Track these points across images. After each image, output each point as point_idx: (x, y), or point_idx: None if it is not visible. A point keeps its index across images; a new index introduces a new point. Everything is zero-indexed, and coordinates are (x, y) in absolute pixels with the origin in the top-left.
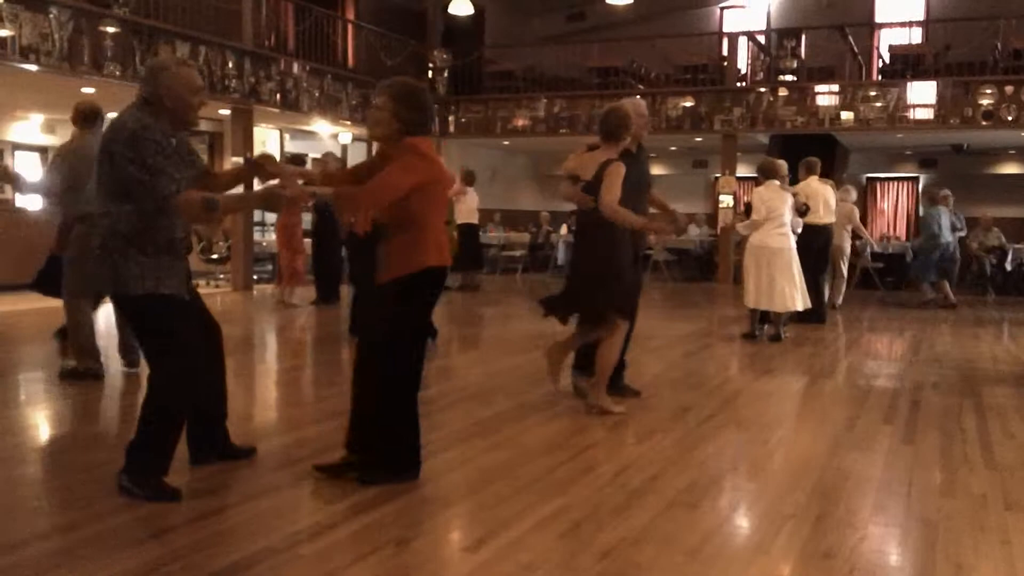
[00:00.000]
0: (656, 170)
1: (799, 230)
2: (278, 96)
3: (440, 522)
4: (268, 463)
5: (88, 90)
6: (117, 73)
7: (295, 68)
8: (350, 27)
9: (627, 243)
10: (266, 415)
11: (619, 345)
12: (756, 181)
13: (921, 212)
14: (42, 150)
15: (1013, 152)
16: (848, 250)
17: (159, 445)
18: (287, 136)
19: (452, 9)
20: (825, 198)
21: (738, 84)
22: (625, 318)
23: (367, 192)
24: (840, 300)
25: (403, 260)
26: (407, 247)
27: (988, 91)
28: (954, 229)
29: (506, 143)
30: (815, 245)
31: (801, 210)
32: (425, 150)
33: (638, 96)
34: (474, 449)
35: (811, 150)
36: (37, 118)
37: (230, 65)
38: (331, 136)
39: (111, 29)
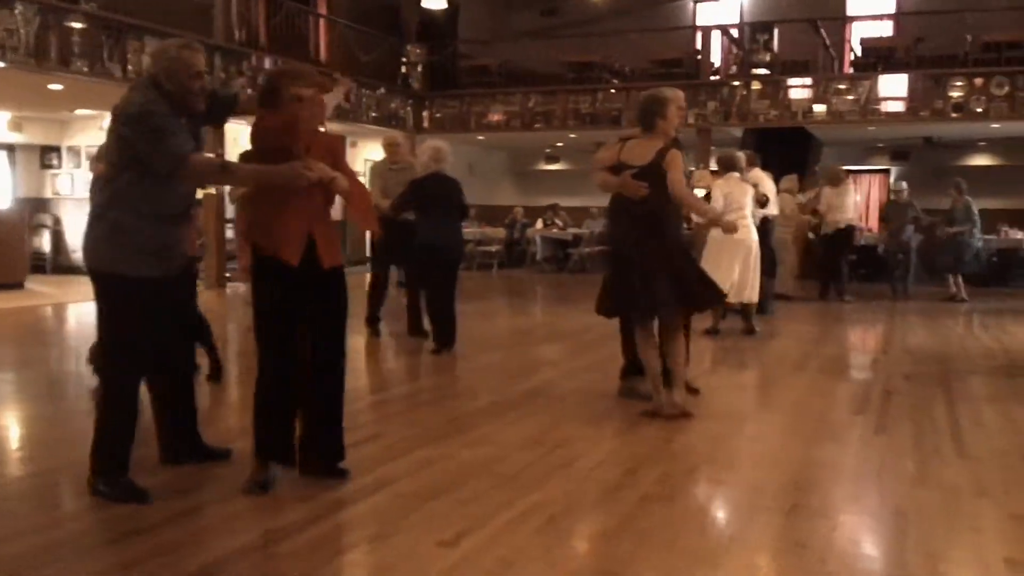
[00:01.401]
0: None
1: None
2: (249, 91)
3: (417, 518)
4: (244, 462)
5: (56, 87)
6: (85, 69)
7: (267, 63)
8: (323, 22)
9: (679, 226)
10: (240, 415)
11: (683, 336)
12: (715, 174)
13: (958, 205)
14: (9, 148)
15: (983, 144)
16: (790, 241)
17: (114, 441)
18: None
19: (426, 3)
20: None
21: (712, 78)
22: (707, 305)
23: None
24: (789, 291)
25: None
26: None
27: (958, 83)
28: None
29: (481, 138)
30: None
31: (762, 201)
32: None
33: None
34: (452, 445)
35: (784, 143)
36: (4, 115)
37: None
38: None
39: (78, 25)
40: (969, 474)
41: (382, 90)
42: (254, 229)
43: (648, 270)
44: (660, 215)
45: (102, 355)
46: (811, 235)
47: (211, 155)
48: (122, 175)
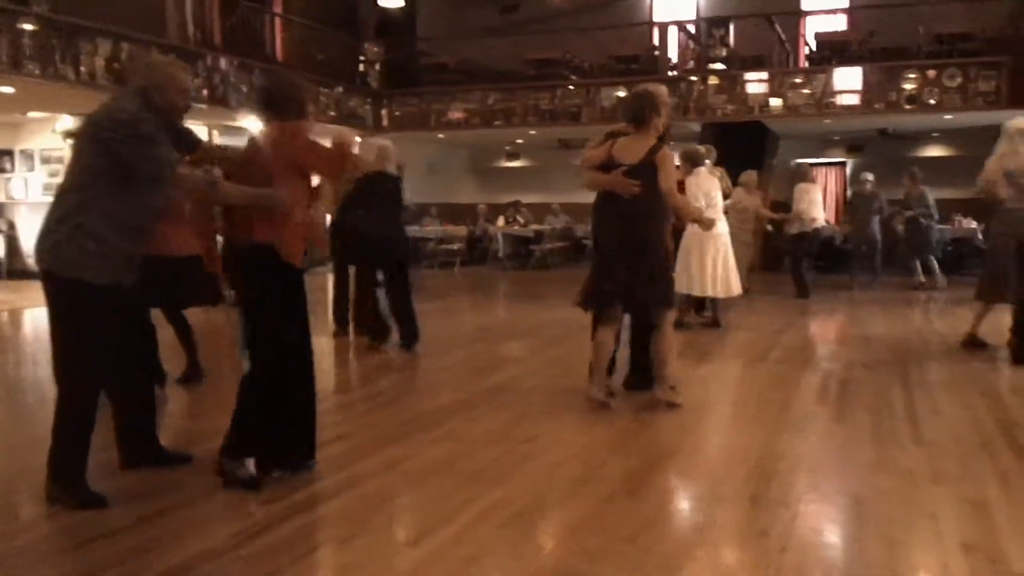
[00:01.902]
0: None
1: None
2: (205, 92)
3: (381, 518)
4: (206, 466)
5: (7, 90)
6: (37, 72)
7: (222, 63)
8: (279, 20)
9: (668, 227)
10: (200, 420)
11: (671, 332)
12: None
13: (904, 196)
14: None
15: (936, 135)
16: (749, 236)
17: (72, 447)
18: (215, 133)
19: (383, 1)
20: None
21: (670, 73)
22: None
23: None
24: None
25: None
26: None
27: (912, 76)
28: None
29: (441, 136)
30: None
31: (727, 194)
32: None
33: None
34: (417, 443)
35: (742, 137)
36: None
37: None
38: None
39: (30, 27)
40: (926, 461)
41: (340, 89)
42: (255, 227)
43: (634, 268)
44: (650, 213)
45: (59, 361)
46: (769, 228)
47: (196, 171)
48: (98, 181)
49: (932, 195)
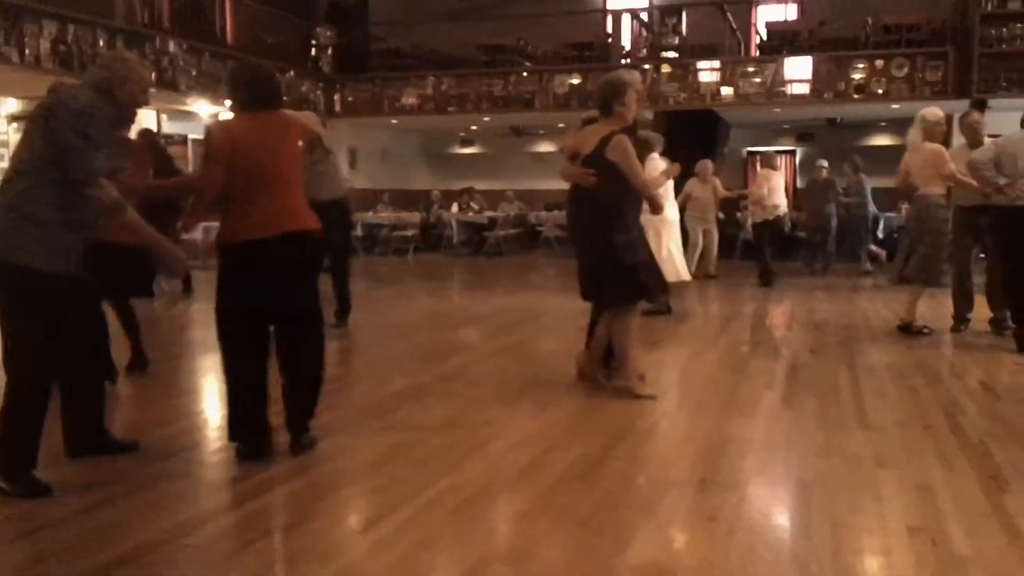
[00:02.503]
0: (546, 147)
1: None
2: (153, 75)
3: (331, 504)
4: (152, 454)
5: None
6: None
7: (171, 46)
8: (228, 2)
9: (633, 219)
10: (146, 408)
11: (635, 323)
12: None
13: (846, 184)
14: None
15: (884, 124)
16: (712, 223)
17: (21, 437)
18: (164, 117)
19: None
20: None
21: (623, 61)
22: (646, 297)
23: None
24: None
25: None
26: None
27: (860, 66)
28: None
29: (395, 122)
30: None
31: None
32: (228, 126)
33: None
34: (368, 430)
35: (693, 126)
36: None
37: (101, 44)
38: (211, 116)
39: None
40: (871, 444)
41: (291, 73)
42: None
43: (592, 260)
44: (607, 204)
45: (8, 352)
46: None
47: (114, 189)
48: (47, 169)
49: (879, 183)
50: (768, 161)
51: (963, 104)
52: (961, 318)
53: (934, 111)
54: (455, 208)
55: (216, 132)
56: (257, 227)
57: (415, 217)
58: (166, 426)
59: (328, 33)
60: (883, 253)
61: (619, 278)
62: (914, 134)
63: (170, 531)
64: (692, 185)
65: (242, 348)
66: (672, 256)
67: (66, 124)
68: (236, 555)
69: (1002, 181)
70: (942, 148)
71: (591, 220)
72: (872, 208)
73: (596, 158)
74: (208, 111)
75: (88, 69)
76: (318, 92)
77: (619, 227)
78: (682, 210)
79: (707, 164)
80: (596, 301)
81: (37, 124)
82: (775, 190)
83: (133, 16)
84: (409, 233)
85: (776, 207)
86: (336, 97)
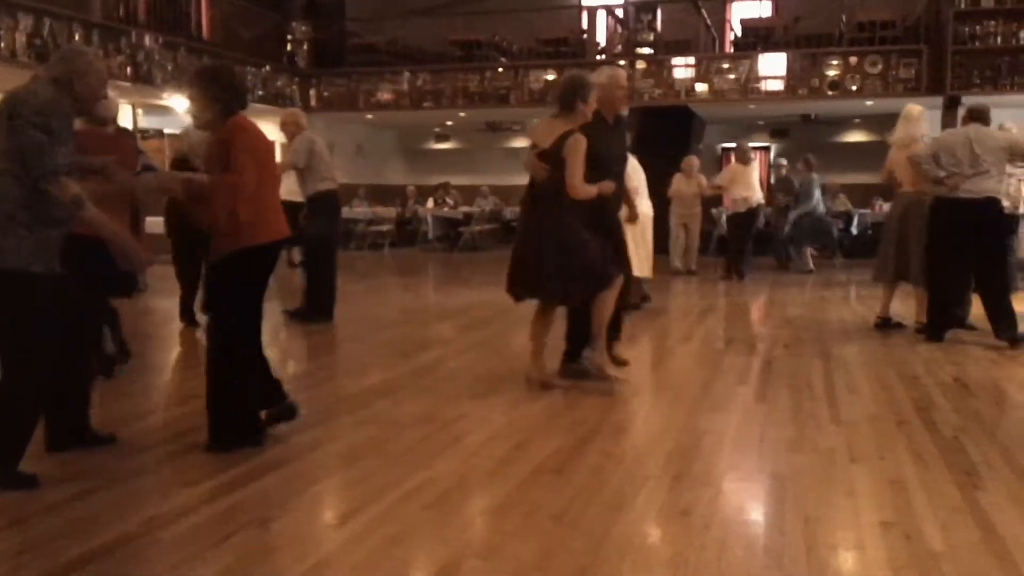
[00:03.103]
0: (521, 143)
1: None
2: (129, 70)
3: (305, 500)
4: (126, 448)
5: None
6: None
7: (147, 40)
8: None
9: (580, 210)
10: (124, 401)
11: (611, 302)
12: None
13: (798, 182)
14: None
15: (858, 121)
16: (693, 220)
17: (14, 434)
18: (140, 112)
19: None
20: None
21: (598, 57)
22: (609, 284)
23: (223, 190)
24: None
25: (234, 239)
26: (238, 226)
27: (834, 62)
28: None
29: (370, 117)
30: None
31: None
32: (247, 125)
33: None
34: (342, 425)
35: (668, 121)
36: None
37: (77, 38)
38: (186, 111)
39: None
40: (844, 439)
41: (267, 68)
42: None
43: (539, 255)
44: (557, 200)
45: (4, 354)
46: (714, 211)
47: (74, 185)
48: (15, 167)
49: (853, 179)
50: (741, 155)
51: (936, 101)
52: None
53: (919, 108)
54: (430, 203)
55: (251, 129)
56: (276, 228)
57: (391, 212)
58: (142, 419)
59: (304, 28)
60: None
61: (558, 273)
62: (901, 131)
63: (145, 525)
64: (678, 181)
65: (258, 348)
66: (637, 251)
67: (27, 121)
68: (210, 550)
69: (942, 174)
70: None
71: (544, 213)
72: (820, 207)
73: (553, 154)
74: (184, 106)
75: (47, 63)
76: (294, 87)
77: (569, 219)
78: (667, 205)
79: (693, 160)
80: (529, 295)
81: (0, 123)
82: (745, 184)
83: (109, 10)
84: (385, 228)
85: (746, 200)
86: (312, 92)
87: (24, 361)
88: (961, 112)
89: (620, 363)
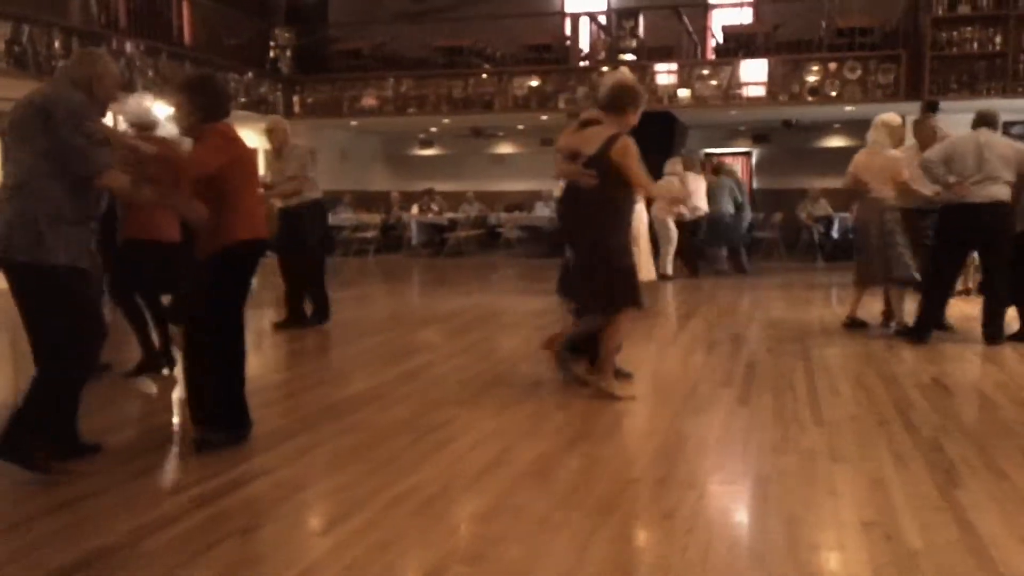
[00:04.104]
0: (506, 149)
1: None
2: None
3: (290, 508)
4: (113, 457)
5: None
6: None
7: (128, 47)
8: (186, 3)
9: (626, 221)
10: (109, 409)
11: (626, 327)
12: None
13: (738, 186)
14: None
15: (838, 126)
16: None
17: (43, 424)
18: (120, 118)
19: None
20: None
21: (581, 63)
22: (638, 302)
23: (180, 163)
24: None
25: (215, 236)
26: (218, 224)
27: (814, 68)
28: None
29: (355, 123)
30: None
31: None
32: (227, 131)
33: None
34: (327, 432)
35: (651, 127)
36: None
37: (57, 45)
38: (167, 118)
39: None
40: (826, 440)
41: (250, 75)
42: (234, 225)
43: (587, 262)
44: (604, 206)
45: (46, 348)
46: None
47: (124, 176)
48: (54, 168)
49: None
50: (688, 163)
51: (915, 106)
52: (891, 315)
53: (895, 116)
54: (415, 209)
55: (227, 133)
56: (255, 229)
57: (375, 218)
58: (127, 429)
59: (287, 34)
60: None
61: (612, 282)
62: (878, 137)
63: (130, 534)
64: (671, 183)
65: (241, 340)
66: (641, 255)
67: (66, 123)
68: (195, 560)
69: (951, 179)
70: (900, 155)
71: (590, 221)
72: (728, 209)
73: (600, 159)
74: (165, 112)
75: (64, 65)
76: (277, 93)
77: (617, 230)
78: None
79: (677, 161)
80: (579, 302)
81: (32, 125)
82: (693, 193)
83: (89, 16)
84: (369, 234)
85: (695, 208)
86: (295, 98)
87: (63, 354)
88: (941, 116)
89: (623, 376)
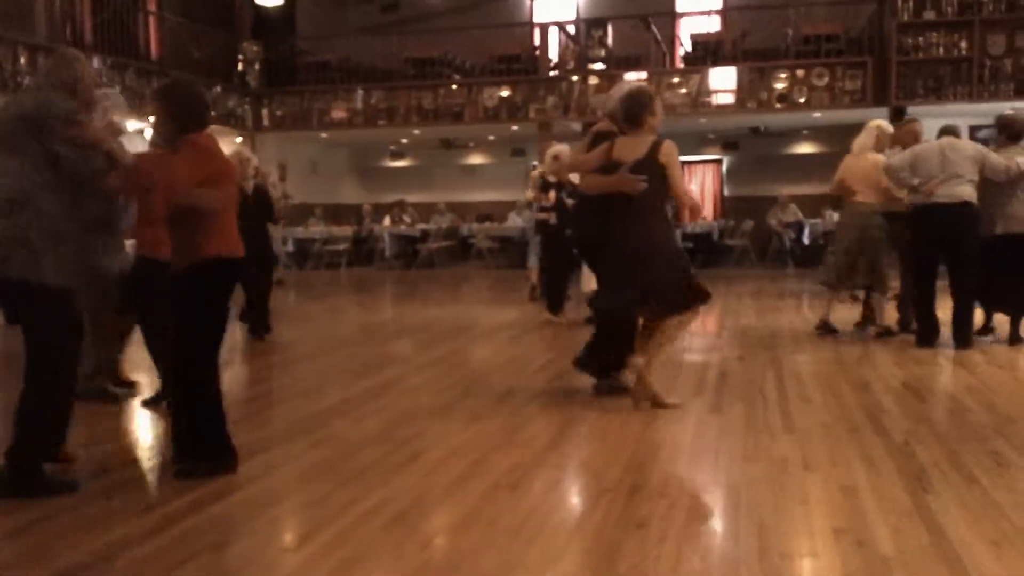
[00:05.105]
0: (477, 159)
1: None
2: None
3: (260, 523)
4: (82, 474)
5: None
6: None
7: (94, 62)
8: (152, 18)
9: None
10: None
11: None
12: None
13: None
14: None
15: (806, 132)
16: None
17: (40, 441)
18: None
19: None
20: None
21: (551, 73)
22: (708, 295)
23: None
24: None
25: (189, 251)
26: (192, 239)
27: (782, 75)
28: None
29: (324, 135)
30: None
31: None
32: (205, 144)
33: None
34: (298, 446)
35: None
36: None
37: (22, 61)
38: (136, 132)
39: None
40: (798, 448)
41: (218, 88)
42: (208, 241)
43: (636, 264)
44: (657, 211)
45: (43, 366)
46: None
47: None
48: (51, 178)
49: (795, 190)
50: None
51: (882, 112)
52: (870, 320)
53: (886, 123)
54: (387, 221)
55: (202, 145)
56: (231, 246)
57: (347, 231)
58: (97, 445)
59: (255, 47)
60: None
61: (681, 281)
62: (865, 140)
63: (101, 551)
64: None
65: (212, 370)
66: None
67: (59, 132)
68: (168, 575)
69: (916, 181)
70: (883, 159)
71: (646, 228)
72: None
73: (648, 163)
74: (133, 127)
75: (44, 70)
76: (245, 107)
77: (671, 230)
78: None
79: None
80: (647, 309)
81: (23, 135)
82: None
83: (55, 32)
84: (341, 247)
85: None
86: (264, 111)
87: (53, 372)
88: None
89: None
